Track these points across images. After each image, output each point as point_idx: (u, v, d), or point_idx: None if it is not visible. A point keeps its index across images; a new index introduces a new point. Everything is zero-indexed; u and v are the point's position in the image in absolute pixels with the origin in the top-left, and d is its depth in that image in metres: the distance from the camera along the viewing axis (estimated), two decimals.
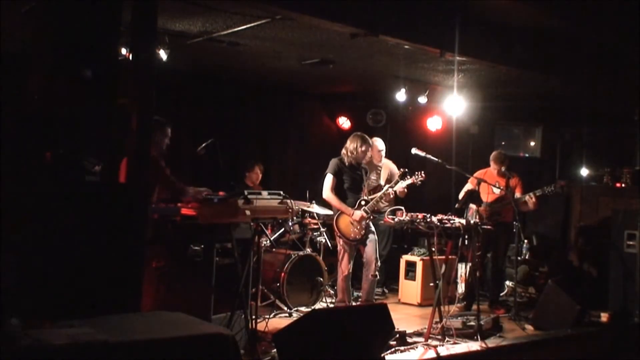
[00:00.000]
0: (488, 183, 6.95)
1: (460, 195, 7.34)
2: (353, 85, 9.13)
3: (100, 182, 3.94)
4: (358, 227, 6.19)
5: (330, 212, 7.62)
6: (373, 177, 7.39)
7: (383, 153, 7.60)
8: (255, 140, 9.08)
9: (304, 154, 9.76)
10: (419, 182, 6.99)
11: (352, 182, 6.37)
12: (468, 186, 7.41)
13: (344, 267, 6.25)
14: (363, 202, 6.27)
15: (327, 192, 6.31)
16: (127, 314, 3.64)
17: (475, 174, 7.24)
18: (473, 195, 6.84)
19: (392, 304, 7.10)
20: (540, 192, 7.04)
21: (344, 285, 6.27)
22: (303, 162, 9.69)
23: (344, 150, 6.42)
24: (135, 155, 4.06)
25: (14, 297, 3.49)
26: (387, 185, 6.64)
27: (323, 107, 10.06)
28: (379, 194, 6.40)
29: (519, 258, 8.11)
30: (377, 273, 6.32)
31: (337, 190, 6.30)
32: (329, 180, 6.32)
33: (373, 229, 6.36)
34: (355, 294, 7.25)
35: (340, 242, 6.30)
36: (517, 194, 7.20)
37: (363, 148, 6.34)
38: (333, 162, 6.40)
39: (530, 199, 7.02)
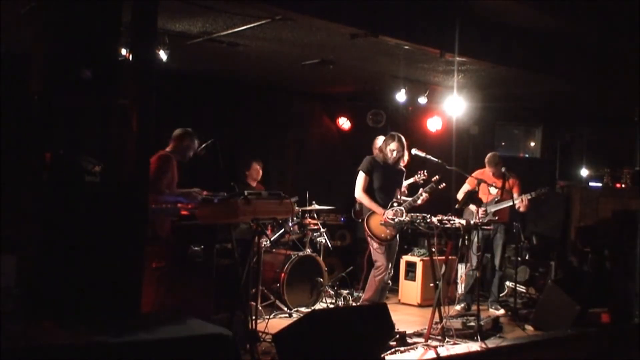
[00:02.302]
0: (487, 184, 6.96)
1: (459, 196, 7.36)
2: (353, 86, 9.12)
3: (100, 182, 3.94)
4: (389, 228, 6.07)
5: (330, 207, 7.64)
6: None
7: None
8: (255, 140, 9.07)
9: (304, 155, 9.75)
10: (421, 181, 7.00)
11: (383, 182, 6.19)
12: (466, 187, 7.43)
13: (383, 268, 6.06)
14: (395, 204, 6.12)
15: (358, 192, 6.16)
16: (127, 314, 3.65)
17: (473, 174, 7.24)
18: (472, 196, 6.84)
19: (392, 304, 7.10)
20: (533, 194, 7.05)
21: (378, 286, 6.08)
22: (303, 162, 9.69)
23: (378, 150, 6.30)
24: (135, 156, 4.06)
25: (14, 297, 3.49)
26: (421, 190, 6.41)
27: (323, 107, 10.05)
28: (411, 198, 6.25)
29: (519, 258, 8.12)
30: (390, 281, 6.29)
31: (369, 189, 6.15)
32: (360, 178, 6.16)
33: (397, 237, 6.26)
34: (356, 294, 7.26)
35: (372, 244, 6.14)
36: (515, 195, 7.21)
37: (391, 146, 6.14)
38: (366, 160, 6.26)
39: (521, 202, 7.03)
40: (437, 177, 6.46)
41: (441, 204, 7.48)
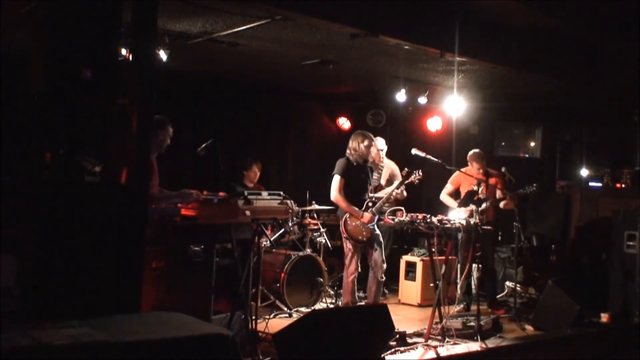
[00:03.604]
0: (487, 184, 6.94)
1: (443, 197, 7.38)
2: (353, 86, 9.13)
3: (100, 182, 3.94)
4: (365, 229, 6.15)
5: (330, 208, 7.64)
6: (374, 176, 7.37)
7: (384, 153, 7.59)
8: (255, 140, 9.08)
9: (304, 155, 9.75)
10: (417, 181, 6.99)
11: (357, 182, 6.29)
12: (449, 187, 7.43)
13: (353, 268, 6.19)
14: (370, 204, 6.21)
15: (335, 194, 6.21)
16: (127, 314, 3.64)
17: (455, 174, 7.23)
18: (472, 196, 6.83)
19: (392, 304, 7.09)
20: (520, 192, 7.04)
21: (352, 287, 6.21)
22: (303, 162, 9.68)
23: (348, 150, 6.33)
24: (135, 156, 4.06)
25: (14, 297, 3.49)
26: (392, 187, 6.49)
27: (323, 107, 10.06)
28: (384, 196, 6.30)
29: (519, 258, 8.11)
30: (383, 276, 6.31)
31: (344, 191, 6.22)
32: (336, 181, 6.22)
33: (378, 231, 6.33)
34: (356, 294, 7.25)
35: (347, 244, 6.23)
36: (498, 193, 7.20)
37: (365, 143, 6.24)
38: (340, 163, 6.31)
39: (510, 199, 7.02)
40: (405, 170, 6.43)
41: (441, 204, 7.49)
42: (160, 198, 4.97)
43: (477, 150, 7.43)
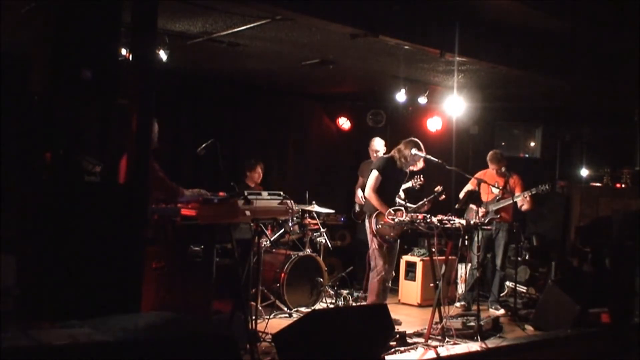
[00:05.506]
0: (488, 183, 6.96)
1: (461, 196, 7.38)
2: (353, 86, 9.12)
3: (100, 182, 3.94)
4: (394, 229, 6.06)
5: (330, 211, 7.64)
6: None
7: (380, 153, 7.58)
8: (255, 140, 9.08)
9: (304, 155, 9.75)
10: (418, 186, 7.02)
11: (392, 184, 6.29)
12: (468, 187, 7.44)
13: (380, 268, 6.13)
14: (403, 209, 6.18)
15: (369, 191, 6.19)
16: (127, 314, 3.64)
17: (476, 175, 7.25)
18: (473, 196, 6.84)
19: (392, 304, 7.09)
20: (534, 191, 7.06)
21: (380, 288, 6.14)
22: (303, 162, 9.69)
23: (396, 153, 6.29)
24: (135, 156, 4.06)
25: (14, 297, 3.49)
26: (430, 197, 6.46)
27: (323, 107, 10.05)
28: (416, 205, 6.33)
29: (519, 259, 8.12)
30: (389, 283, 6.30)
31: (378, 189, 6.19)
32: (374, 177, 6.20)
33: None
34: (356, 294, 7.27)
35: (374, 243, 6.19)
36: (517, 194, 7.21)
37: (417, 157, 6.25)
38: (383, 160, 6.31)
39: (524, 199, 7.04)
40: (439, 187, 6.47)
41: (441, 204, 7.48)
42: (178, 194, 4.94)
43: (492, 151, 7.51)
